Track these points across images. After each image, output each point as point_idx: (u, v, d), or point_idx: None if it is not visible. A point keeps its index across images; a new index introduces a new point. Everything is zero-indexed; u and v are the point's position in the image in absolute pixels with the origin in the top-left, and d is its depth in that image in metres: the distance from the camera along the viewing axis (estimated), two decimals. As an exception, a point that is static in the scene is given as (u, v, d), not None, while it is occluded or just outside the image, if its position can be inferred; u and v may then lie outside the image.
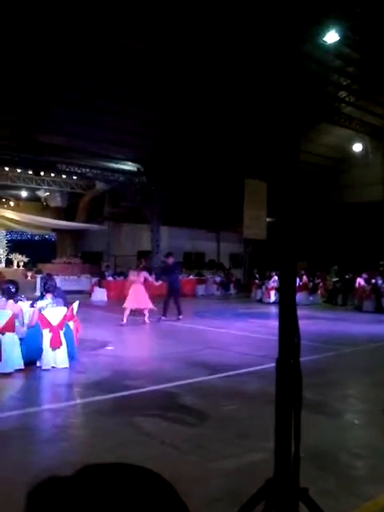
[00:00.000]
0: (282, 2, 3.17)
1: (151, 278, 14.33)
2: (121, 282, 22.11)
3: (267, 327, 12.01)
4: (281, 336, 2.27)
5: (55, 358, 7.83)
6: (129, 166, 24.06)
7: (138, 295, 13.15)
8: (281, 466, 2.21)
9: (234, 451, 4.58)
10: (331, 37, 16.26)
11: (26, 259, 24.52)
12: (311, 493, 2.23)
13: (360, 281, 18.73)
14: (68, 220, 27.23)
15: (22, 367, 7.57)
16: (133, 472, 0.63)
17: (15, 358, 7.49)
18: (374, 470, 4.30)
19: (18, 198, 27.35)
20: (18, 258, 24.37)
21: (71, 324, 8.46)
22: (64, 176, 24.88)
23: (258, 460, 4.17)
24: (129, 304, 13.12)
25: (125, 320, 12.91)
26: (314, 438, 4.52)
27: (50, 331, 7.83)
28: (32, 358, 7.80)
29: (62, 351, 7.90)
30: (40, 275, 18.62)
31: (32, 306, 8.22)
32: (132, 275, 13.64)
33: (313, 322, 13.58)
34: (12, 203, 26.96)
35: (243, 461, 4.36)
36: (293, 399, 2.21)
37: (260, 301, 21.05)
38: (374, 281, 18.43)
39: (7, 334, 7.47)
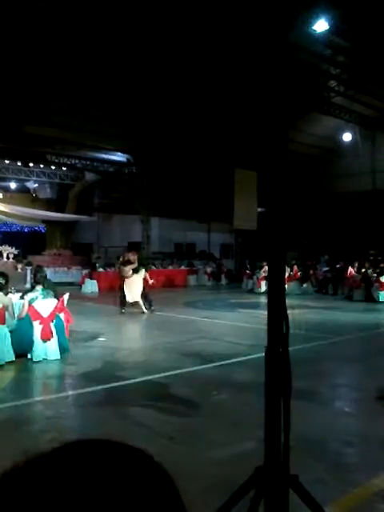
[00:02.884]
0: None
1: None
2: (112, 274, 22.08)
3: (258, 317, 12.04)
4: (270, 325, 2.28)
5: (46, 350, 7.82)
6: (118, 157, 23.93)
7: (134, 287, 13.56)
8: (271, 454, 2.23)
9: (226, 440, 4.62)
10: (321, 25, 16.18)
11: (15, 251, 24.34)
12: (301, 480, 2.26)
13: (351, 270, 18.84)
14: (58, 211, 27.07)
15: (13, 359, 7.56)
16: (121, 450, 0.58)
17: (6, 351, 7.47)
18: (364, 457, 4.35)
19: (7, 190, 27.14)
20: (8, 250, 24.17)
21: (62, 315, 8.44)
22: (53, 167, 24.69)
23: (249, 448, 4.20)
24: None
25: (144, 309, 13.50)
26: (304, 426, 4.56)
27: (40, 323, 7.82)
28: (23, 350, 7.78)
29: (53, 343, 7.89)
30: (30, 267, 18.51)
31: (22, 297, 8.19)
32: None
33: (303, 312, 13.65)
34: (1, 195, 26.71)
35: (235, 449, 4.39)
36: (282, 388, 2.22)
37: (251, 291, 21.09)
38: (363, 270, 18.55)
39: (-3, 326, 7.45)
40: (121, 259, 14.57)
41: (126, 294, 13.42)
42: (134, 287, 13.48)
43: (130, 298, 13.47)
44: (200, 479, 3.77)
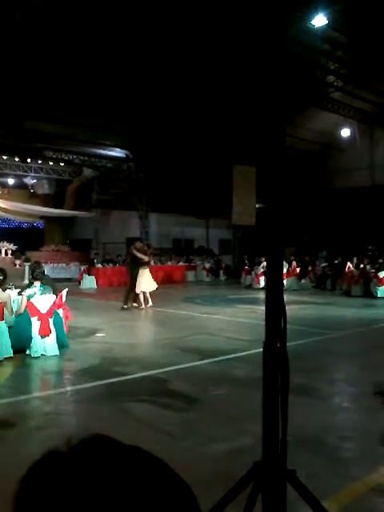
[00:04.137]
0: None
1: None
2: (110, 269, 22.10)
3: (256, 312, 12.06)
4: (267, 320, 2.28)
5: (44, 346, 7.82)
6: (117, 153, 23.87)
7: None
8: (269, 449, 2.24)
9: (224, 435, 4.63)
10: (319, 20, 16.12)
11: (14, 247, 24.33)
12: (299, 475, 2.26)
13: (349, 266, 18.85)
14: (56, 207, 27.02)
15: (11, 355, 7.56)
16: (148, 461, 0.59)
17: (4, 347, 7.48)
18: (362, 452, 4.36)
19: (4, 186, 27.08)
20: (6, 246, 24.16)
21: (60, 311, 8.44)
22: (51, 163, 24.64)
23: (247, 443, 4.21)
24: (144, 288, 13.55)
25: (143, 305, 13.41)
26: (302, 421, 4.57)
27: (38, 319, 7.82)
28: (21, 346, 7.78)
29: (52, 339, 7.89)
30: (28, 263, 18.51)
31: (20, 293, 8.19)
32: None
33: (302, 307, 13.68)
34: (-1, 191, 26.70)
35: (233, 444, 4.40)
36: (280, 383, 2.22)
37: (249, 286, 21.12)
38: (362, 265, 18.56)
39: (-4, 322, 7.45)
40: (143, 248, 14.15)
41: (138, 283, 13.28)
42: (146, 278, 13.46)
43: (141, 288, 13.36)
44: (198, 474, 3.77)
